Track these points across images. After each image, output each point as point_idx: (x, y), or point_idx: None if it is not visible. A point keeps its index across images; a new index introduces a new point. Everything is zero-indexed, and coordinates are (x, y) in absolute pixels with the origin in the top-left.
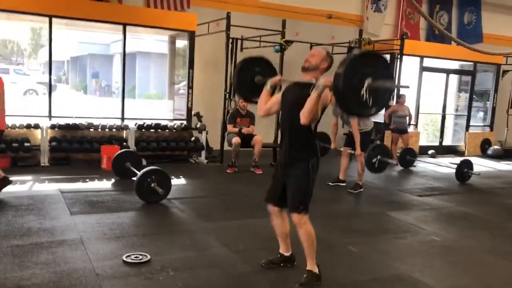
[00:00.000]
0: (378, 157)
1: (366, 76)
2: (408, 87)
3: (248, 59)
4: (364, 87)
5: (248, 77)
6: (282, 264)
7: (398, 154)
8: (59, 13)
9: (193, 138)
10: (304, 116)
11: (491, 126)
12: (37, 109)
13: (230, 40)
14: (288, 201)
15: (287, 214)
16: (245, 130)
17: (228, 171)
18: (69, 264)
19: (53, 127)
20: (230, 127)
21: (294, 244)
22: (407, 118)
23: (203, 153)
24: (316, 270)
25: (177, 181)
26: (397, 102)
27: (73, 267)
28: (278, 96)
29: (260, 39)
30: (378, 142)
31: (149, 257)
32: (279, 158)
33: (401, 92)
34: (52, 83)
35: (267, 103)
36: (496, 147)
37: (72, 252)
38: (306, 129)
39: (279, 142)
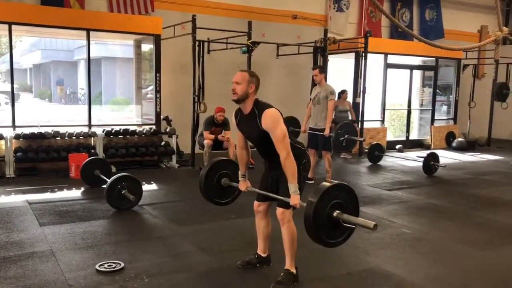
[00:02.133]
0: (346, 136)
1: (335, 208)
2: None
3: (213, 164)
4: (334, 218)
5: (214, 180)
6: (258, 265)
7: (366, 150)
8: (19, 19)
9: (163, 143)
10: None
11: (454, 119)
12: (0, 119)
13: (197, 43)
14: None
15: (269, 214)
16: (220, 137)
17: None
18: (40, 276)
19: (17, 137)
20: (206, 134)
21: (271, 245)
22: (348, 113)
23: (174, 157)
24: (293, 270)
25: (149, 187)
26: (339, 97)
27: (44, 279)
28: (240, 138)
29: (226, 41)
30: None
31: (122, 265)
32: (266, 167)
33: (342, 88)
34: (15, 91)
35: (245, 163)
36: (460, 139)
37: (43, 264)
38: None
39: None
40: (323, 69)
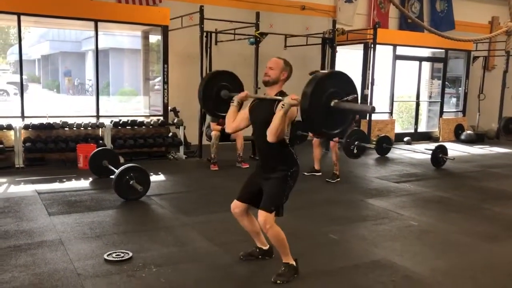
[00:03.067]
0: (356, 142)
1: (332, 95)
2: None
3: (214, 73)
4: (332, 106)
5: (214, 91)
6: (260, 257)
7: (374, 142)
8: (28, 10)
9: (170, 134)
10: (271, 134)
11: (463, 112)
12: (9, 109)
13: (204, 34)
14: (262, 199)
15: (249, 212)
16: None
17: (212, 168)
18: (49, 265)
19: (26, 127)
20: (213, 125)
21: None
22: None
23: (181, 148)
24: (292, 262)
25: (156, 178)
26: None
27: (53, 268)
28: (245, 112)
29: (234, 32)
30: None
31: (130, 254)
32: (258, 165)
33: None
34: (24, 82)
35: (235, 120)
36: (469, 132)
37: (52, 253)
38: (279, 144)
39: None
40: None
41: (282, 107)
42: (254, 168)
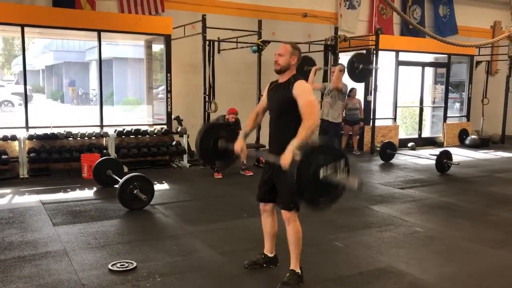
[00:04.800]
0: (360, 66)
1: (321, 167)
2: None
3: (210, 125)
4: (321, 176)
5: (211, 142)
6: (265, 265)
7: (378, 148)
8: (31, 21)
9: (174, 142)
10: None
11: (467, 116)
12: (13, 120)
13: (207, 43)
14: (278, 198)
15: (275, 213)
16: None
17: (216, 176)
18: (53, 276)
19: (30, 137)
20: None
21: (278, 245)
22: (358, 110)
23: (185, 157)
24: (298, 270)
25: (160, 186)
26: (348, 95)
27: (58, 279)
28: (263, 100)
29: (237, 40)
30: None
31: (135, 264)
32: (265, 164)
33: (352, 86)
34: (28, 93)
35: (253, 122)
36: (473, 136)
37: (57, 263)
38: (295, 123)
39: (268, 142)
40: (343, 67)
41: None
42: (259, 174)
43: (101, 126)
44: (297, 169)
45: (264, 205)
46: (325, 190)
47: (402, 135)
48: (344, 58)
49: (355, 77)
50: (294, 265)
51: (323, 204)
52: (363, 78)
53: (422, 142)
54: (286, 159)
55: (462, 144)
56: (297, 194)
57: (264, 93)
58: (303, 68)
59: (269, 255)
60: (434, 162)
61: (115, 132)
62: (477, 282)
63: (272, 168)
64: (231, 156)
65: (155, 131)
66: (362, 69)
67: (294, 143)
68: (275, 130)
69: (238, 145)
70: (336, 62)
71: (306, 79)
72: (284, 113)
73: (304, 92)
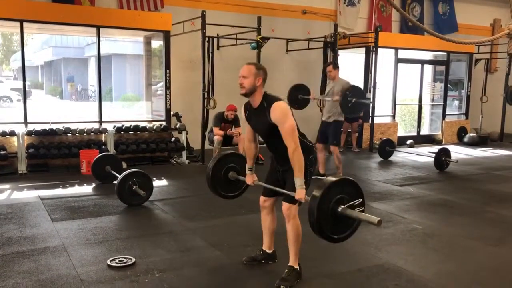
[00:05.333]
0: (353, 100)
1: (339, 201)
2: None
3: (221, 157)
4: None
5: (222, 173)
6: (263, 261)
7: (376, 146)
8: (30, 17)
9: (173, 139)
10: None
11: (466, 114)
12: (12, 116)
13: (206, 39)
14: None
15: (275, 210)
16: (229, 132)
17: None
18: (52, 271)
19: (29, 133)
20: (216, 130)
21: (277, 241)
22: None
23: (184, 153)
24: (297, 267)
25: (159, 183)
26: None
27: (56, 274)
28: (249, 131)
29: (236, 37)
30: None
31: (133, 260)
32: (273, 160)
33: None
34: (27, 88)
35: (253, 155)
36: (472, 134)
37: (55, 259)
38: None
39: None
40: (337, 65)
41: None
42: (258, 172)
43: (100, 122)
44: (317, 205)
45: (264, 200)
46: (343, 224)
47: (401, 132)
48: (343, 55)
49: (347, 110)
50: (293, 262)
51: (340, 238)
52: (355, 111)
53: (421, 140)
54: (301, 194)
55: (460, 141)
56: (316, 231)
57: (243, 118)
58: (297, 96)
59: (268, 251)
60: (432, 159)
61: (114, 128)
62: (475, 279)
63: (279, 171)
64: (242, 187)
65: (154, 128)
66: (355, 103)
67: (298, 181)
68: (272, 149)
69: (250, 179)
70: (335, 59)
71: (302, 107)
72: (272, 137)
73: (282, 117)
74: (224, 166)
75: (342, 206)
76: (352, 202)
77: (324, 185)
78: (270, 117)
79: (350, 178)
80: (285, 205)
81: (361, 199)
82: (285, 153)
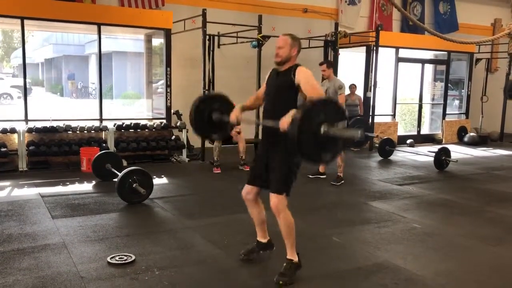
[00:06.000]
0: (322, 129)
1: (322, 123)
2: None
3: (203, 98)
4: (322, 132)
5: (206, 114)
6: (261, 252)
7: (376, 145)
8: (31, 14)
9: (173, 137)
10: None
11: (466, 114)
12: (12, 113)
13: (207, 37)
14: (271, 183)
15: (259, 200)
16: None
17: (215, 171)
18: (52, 268)
19: (30, 130)
20: None
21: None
22: (357, 107)
23: (184, 151)
24: (296, 258)
25: (159, 181)
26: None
27: (57, 271)
28: (261, 91)
29: (237, 35)
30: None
31: (133, 257)
32: (262, 140)
33: (352, 82)
34: (27, 86)
35: (253, 102)
36: (472, 134)
37: (55, 256)
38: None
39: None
40: (331, 64)
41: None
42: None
43: (101, 119)
44: (298, 127)
45: (247, 194)
46: (326, 145)
47: (401, 131)
48: (344, 54)
49: (354, 144)
50: (290, 254)
51: (324, 159)
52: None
53: (421, 139)
54: (285, 121)
55: (460, 141)
56: (298, 152)
57: (265, 81)
58: None
59: (263, 241)
60: (432, 159)
61: (114, 126)
62: (474, 278)
63: (266, 151)
64: (226, 128)
65: (154, 125)
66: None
67: (293, 111)
68: (269, 108)
69: (234, 115)
70: (336, 58)
71: None
72: (279, 96)
73: (307, 78)
74: (207, 108)
75: (324, 127)
76: (334, 122)
77: (306, 107)
78: (294, 75)
79: (332, 98)
80: (272, 198)
81: (344, 120)
82: (279, 115)
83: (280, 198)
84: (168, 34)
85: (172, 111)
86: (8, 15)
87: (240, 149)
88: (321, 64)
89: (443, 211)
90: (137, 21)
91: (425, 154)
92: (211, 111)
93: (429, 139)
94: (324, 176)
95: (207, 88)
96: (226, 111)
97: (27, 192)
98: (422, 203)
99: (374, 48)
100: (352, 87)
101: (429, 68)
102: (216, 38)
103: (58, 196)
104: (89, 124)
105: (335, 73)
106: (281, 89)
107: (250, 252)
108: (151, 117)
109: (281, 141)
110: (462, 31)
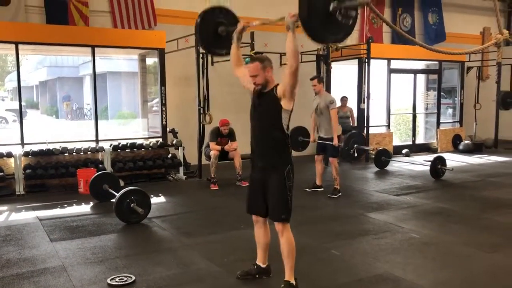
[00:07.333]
0: (355, 146)
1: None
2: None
3: (208, 10)
4: (331, 9)
5: (211, 28)
6: (257, 276)
7: (372, 156)
8: (25, 39)
9: (170, 155)
10: (291, 58)
11: (460, 122)
12: (8, 136)
13: (200, 55)
14: (270, 211)
15: (267, 223)
16: (226, 147)
17: (212, 188)
18: None
19: (26, 154)
20: (212, 145)
21: (272, 256)
22: (349, 119)
23: (181, 169)
24: (293, 281)
25: (157, 200)
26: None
27: None
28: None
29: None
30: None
31: (133, 278)
32: (254, 164)
33: (343, 95)
34: (22, 109)
35: (242, 74)
36: (466, 142)
37: (55, 279)
38: (279, 132)
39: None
40: (322, 79)
41: (289, 30)
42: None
43: (97, 140)
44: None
45: (256, 221)
46: (334, 26)
47: (396, 142)
48: (336, 67)
49: (352, 158)
50: (289, 276)
51: (330, 39)
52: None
53: (416, 149)
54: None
55: (455, 149)
56: (306, 28)
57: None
58: (298, 138)
59: (262, 265)
60: (428, 168)
61: (110, 146)
62: (472, 286)
63: (262, 179)
64: (230, 41)
65: (151, 144)
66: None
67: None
68: (258, 138)
69: (241, 23)
70: (328, 72)
71: (303, 148)
72: (264, 117)
73: (285, 80)
74: (211, 23)
75: (334, 4)
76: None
77: None
78: (276, 91)
79: None
80: (278, 227)
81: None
82: (272, 141)
83: (284, 225)
84: (161, 54)
85: (168, 129)
86: (2, 40)
87: (237, 165)
88: (312, 79)
89: (440, 220)
90: (131, 42)
91: (421, 163)
92: (216, 25)
93: (425, 148)
94: (321, 189)
95: (202, 105)
96: (231, 23)
97: (25, 216)
98: (419, 212)
99: (366, 60)
100: (344, 99)
101: (421, 78)
102: (209, 56)
103: (56, 219)
104: (85, 145)
105: (328, 87)
106: (264, 110)
107: (247, 274)
108: (147, 136)
109: (278, 166)
110: (451, 40)
